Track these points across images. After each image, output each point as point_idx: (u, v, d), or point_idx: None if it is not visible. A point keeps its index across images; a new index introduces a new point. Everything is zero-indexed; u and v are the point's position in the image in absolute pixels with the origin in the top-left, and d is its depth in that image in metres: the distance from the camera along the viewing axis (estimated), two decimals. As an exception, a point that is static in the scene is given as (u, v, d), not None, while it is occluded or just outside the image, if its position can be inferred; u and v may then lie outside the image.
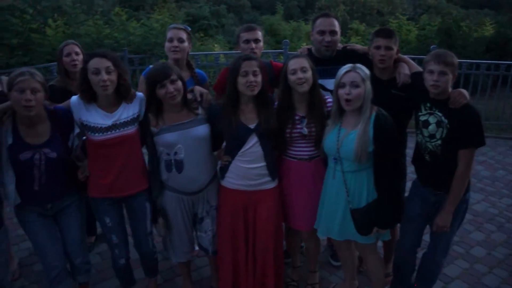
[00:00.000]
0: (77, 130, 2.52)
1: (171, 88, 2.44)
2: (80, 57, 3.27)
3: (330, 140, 2.52)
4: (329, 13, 3.03)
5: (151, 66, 3.20)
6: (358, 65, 2.43)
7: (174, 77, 2.45)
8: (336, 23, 2.93)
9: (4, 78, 3.07)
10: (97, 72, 2.34)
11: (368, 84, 2.40)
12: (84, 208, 2.74)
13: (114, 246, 2.72)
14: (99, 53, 2.40)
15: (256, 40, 3.00)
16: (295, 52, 7.67)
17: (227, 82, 2.55)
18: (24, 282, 3.31)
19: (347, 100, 2.40)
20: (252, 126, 2.56)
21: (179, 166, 2.58)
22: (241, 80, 2.48)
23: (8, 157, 2.34)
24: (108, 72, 2.35)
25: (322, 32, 2.90)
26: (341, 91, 2.41)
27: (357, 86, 2.38)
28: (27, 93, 2.22)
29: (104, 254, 3.65)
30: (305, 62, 2.53)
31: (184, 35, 3.02)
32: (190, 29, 3.16)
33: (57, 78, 3.36)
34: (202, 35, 10.28)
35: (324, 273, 3.32)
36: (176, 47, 2.97)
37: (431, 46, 6.41)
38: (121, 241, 2.72)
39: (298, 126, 2.62)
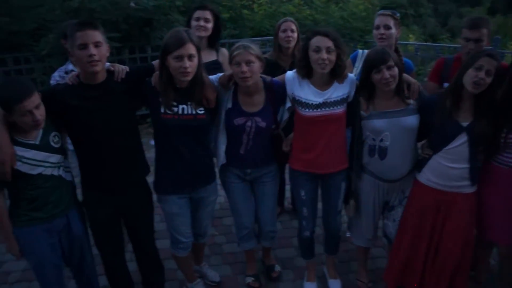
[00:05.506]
0: (288, 104, 2.65)
1: (387, 74, 2.39)
2: (295, 34, 3.43)
3: None
4: None
5: (359, 50, 3.22)
6: None
7: (391, 63, 2.39)
8: None
9: (223, 50, 3.38)
10: (318, 50, 2.40)
11: None
12: (279, 179, 2.89)
13: (302, 218, 2.85)
14: (322, 32, 2.44)
15: (478, 41, 2.71)
16: (507, 51, 6.84)
17: (456, 73, 2.39)
18: (214, 232, 3.73)
19: None
20: (464, 124, 2.38)
21: (382, 153, 2.55)
22: (470, 73, 2.29)
23: (224, 120, 2.59)
24: (328, 52, 2.39)
25: None
26: None
27: None
28: (242, 66, 2.41)
29: (285, 223, 3.87)
30: None
31: (391, 22, 2.94)
32: (398, 14, 3.06)
33: (270, 52, 3.61)
34: (398, 24, 9.82)
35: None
36: (383, 34, 2.92)
37: None
38: (310, 214, 2.83)
39: None
